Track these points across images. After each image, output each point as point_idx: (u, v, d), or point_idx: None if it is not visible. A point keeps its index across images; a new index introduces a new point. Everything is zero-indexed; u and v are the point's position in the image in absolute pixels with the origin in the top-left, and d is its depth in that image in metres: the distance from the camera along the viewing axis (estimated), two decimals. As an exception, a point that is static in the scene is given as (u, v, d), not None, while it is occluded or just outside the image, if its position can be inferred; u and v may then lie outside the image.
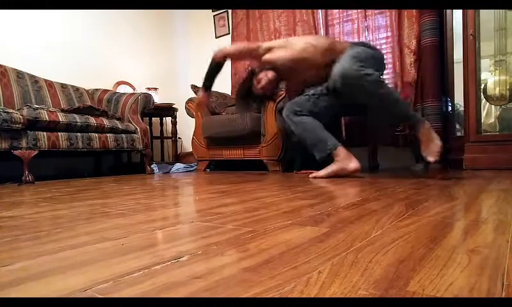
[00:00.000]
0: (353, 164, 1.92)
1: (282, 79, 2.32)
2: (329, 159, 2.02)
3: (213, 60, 2.21)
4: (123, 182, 2.17)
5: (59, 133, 2.47)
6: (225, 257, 0.53)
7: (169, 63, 4.41)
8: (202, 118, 3.22)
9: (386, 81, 2.45)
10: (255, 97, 2.33)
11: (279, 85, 2.40)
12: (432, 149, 1.76)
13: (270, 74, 2.20)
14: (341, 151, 1.96)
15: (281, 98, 2.73)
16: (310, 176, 2.00)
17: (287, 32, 3.57)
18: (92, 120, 2.67)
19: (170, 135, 3.88)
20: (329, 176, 1.94)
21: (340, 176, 1.95)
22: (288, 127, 2.21)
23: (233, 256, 0.54)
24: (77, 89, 3.22)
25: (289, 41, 2.19)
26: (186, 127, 4.04)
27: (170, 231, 0.73)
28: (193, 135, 3.33)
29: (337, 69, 1.80)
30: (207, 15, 4.20)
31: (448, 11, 2.68)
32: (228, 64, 4.02)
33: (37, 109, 2.36)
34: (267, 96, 2.42)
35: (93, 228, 0.78)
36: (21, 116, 2.22)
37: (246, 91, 2.28)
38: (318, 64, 2.06)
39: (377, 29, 3.09)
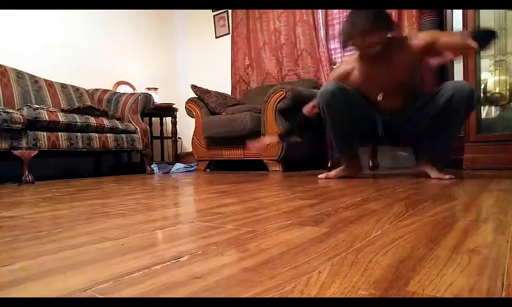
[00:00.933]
0: (360, 174, 2.04)
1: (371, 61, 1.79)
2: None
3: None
4: (123, 182, 2.17)
5: (59, 133, 2.47)
6: (225, 257, 0.53)
7: (169, 63, 4.41)
8: (202, 118, 3.22)
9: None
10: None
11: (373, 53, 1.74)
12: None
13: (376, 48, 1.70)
14: (357, 160, 2.02)
15: (281, 98, 2.73)
16: (320, 176, 2.00)
17: (287, 32, 3.57)
18: (92, 120, 2.66)
19: (170, 135, 3.88)
20: (337, 178, 1.95)
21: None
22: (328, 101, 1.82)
23: (233, 256, 0.54)
24: (77, 89, 3.22)
25: None
26: (186, 127, 4.04)
27: (170, 231, 0.73)
28: (193, 135, 3.33)
29: (455, 83, 1.73)
30: (207, 15, 4.20)
31: (448, 11, 2.68)
32: (228, 64, 4.03)
33: (37, 109, 2.36)
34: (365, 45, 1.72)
35: (93, 228, 0.78)
36: (21, 116, 2.22)
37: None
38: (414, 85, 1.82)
39: (377, 29, 3.08)
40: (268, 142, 2.16)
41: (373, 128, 1.94)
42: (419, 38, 1.75)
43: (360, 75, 1.84)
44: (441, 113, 1.71)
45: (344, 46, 1.80)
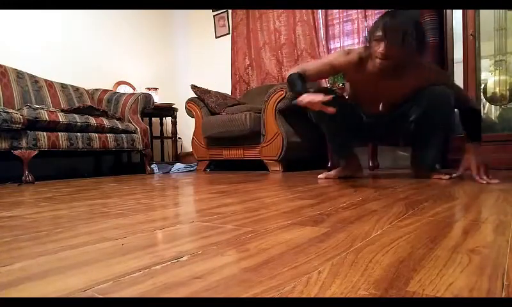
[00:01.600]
0: (360, 174, 2.04)
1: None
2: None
3: None
4: (123, 182, 2.17)
5: (59, 133, 2.47)
6: (225, 257, 0.53)
7: (169, 63, 4.41)
8: (202, 118, 3.22)
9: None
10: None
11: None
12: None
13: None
14: (355, 159, 2.01)
15: (281, 98, 2.73)
16: (320, 176, 2.00)
17: (287, 32, 3.57)
18: (92, 120, 2.66)
19: (170, 135, 3.88)
20: (337, 178, 1.95)
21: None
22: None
23: (233, 256, 0.54)
24: (77, 89, 3.22)
25: None
26: (186, 127, 4.04)
27: (170, 231, 0.73)
28: (193, 135, 3.33)
29: (432, 89, 1.65)
30: (207, 15, 4.20)
31: (448, 11, 2.68)
32: (228, 64, 4.03)
33: (37, 109, 2.36)
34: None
35: (93, 228, 0.78)
36: (21, 116, 2.22)
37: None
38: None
39: (377, 29, 3.09)
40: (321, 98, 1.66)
41: (367, 129, 1.94)
42: (434, 73, 1.72)
43: (363, 77, 1.72)
44: (424, 117, 1.68)
45: (366, 41, 1.65)
